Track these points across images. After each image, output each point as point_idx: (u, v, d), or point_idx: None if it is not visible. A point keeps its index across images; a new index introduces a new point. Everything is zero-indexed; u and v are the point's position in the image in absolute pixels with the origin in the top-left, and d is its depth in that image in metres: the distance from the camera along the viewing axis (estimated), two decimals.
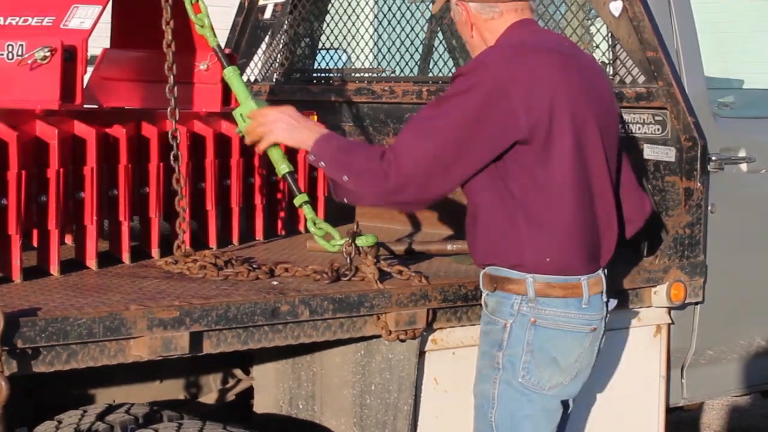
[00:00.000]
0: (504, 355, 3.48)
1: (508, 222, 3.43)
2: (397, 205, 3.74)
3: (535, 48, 3.46)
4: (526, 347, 3.45)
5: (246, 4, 6.15)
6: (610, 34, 4.68)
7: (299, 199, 4.04)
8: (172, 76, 4.16)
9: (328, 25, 6.00)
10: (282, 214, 4.90)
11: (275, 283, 3.84)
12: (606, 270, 3.60)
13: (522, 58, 3.41)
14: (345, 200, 3.56)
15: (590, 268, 3.49)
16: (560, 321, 3.45)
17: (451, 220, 5.01)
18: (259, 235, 4.78)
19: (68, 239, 4.43)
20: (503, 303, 3.49)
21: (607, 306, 3.57)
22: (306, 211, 4.03)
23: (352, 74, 5.78)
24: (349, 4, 5.82)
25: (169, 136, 4.18)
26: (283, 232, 4.90)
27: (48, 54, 3.84)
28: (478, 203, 3.50)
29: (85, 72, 4.00)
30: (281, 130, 3.68)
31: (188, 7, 4.03)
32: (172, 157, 4.18)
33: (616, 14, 4.55)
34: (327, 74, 5.89)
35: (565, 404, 3.60)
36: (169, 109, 4.17)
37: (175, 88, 4.16)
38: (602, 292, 3.53)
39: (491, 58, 3.43)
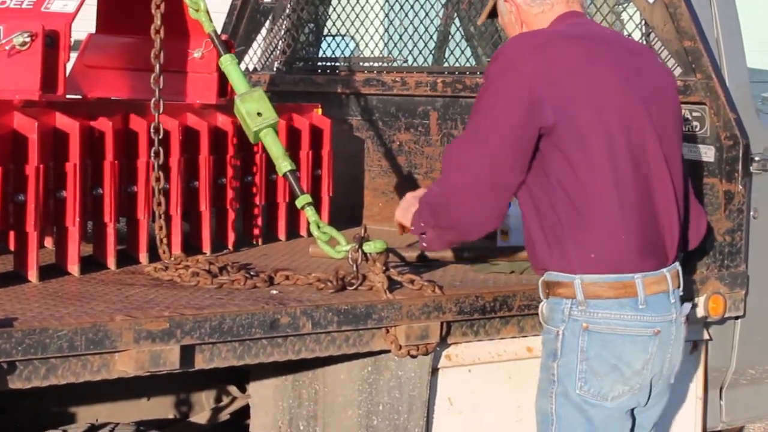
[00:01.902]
0: (558, 366, 3.49)
1: (554, 220, 3.45)
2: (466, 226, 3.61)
3: (561, 37, 3.49)
4: (580, 355, 3.44)
5: None
6: (643, 22, 4.67)
7: (301, 200, 4.03)
8: (158, 65, 4.15)
9: (334, 9, 5.98)
10: (283, 216, 4.89)
11: (275, 292, 3.83)
12: (677, 267, 3.56)
13: (542, 47, 3.44)
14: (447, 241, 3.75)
15: (646, 265, 3.46)
16: (615, 324, 3.43)
17: None
18: (258, 239, 4.78)
19: (48, 242, 4.43)
20: (555, 309, 3.50)
21: (676, 308, 3.53)
22: (309, 213, 4.02)
23: (360, 63, 5.77)
24: None
25: (151, 130, 4.17)
26: (284, 236, 4.90)
27: (28, 39, 3.84)
28: (523, 204, 3.55)
29: (68, 59, 4.00)
30: (399, 210, 3.84)
31: None
32: (152, 154, 4.18)
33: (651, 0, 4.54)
34: (333, 63, 5.88)
35: (633, 416, 3.58)
36: (152, 101, 4.17)
37: (161, 78, 4.16)
38: (669, 292, 3.50)
39: (511, 47, 3.49)
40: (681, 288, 3.58)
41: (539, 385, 3.58)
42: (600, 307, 3.43)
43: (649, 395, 3.55)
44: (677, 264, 3.57)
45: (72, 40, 4.01)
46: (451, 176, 3.51)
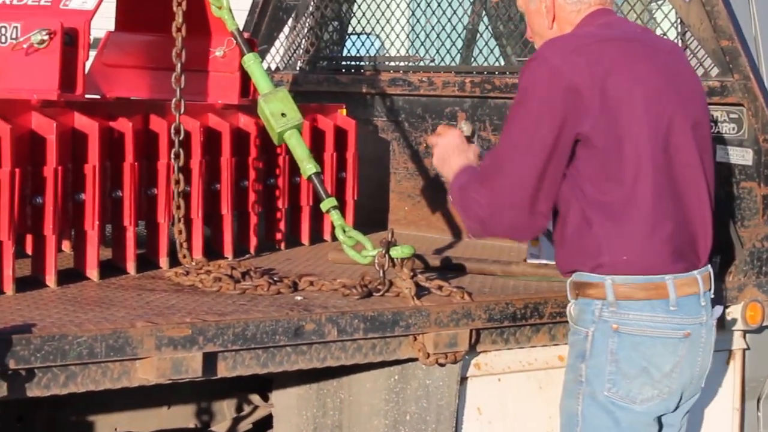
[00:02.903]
0: (587, 367, 3.51)
1: (584, 221, 3.48)
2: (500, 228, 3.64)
3: (602, 38, 3.51)
4: (609, 357, 3.47)
5: None
6: (679, 20, 4.65)
7: (326, 204, 4.03)
8: (179, 64, 4.16)
9: (358, 6, 5.99)
10: (306, 219, 4.89)
11: (299, 298, 3.83)
12: (709, 270, 3.58)
13: (584, 48, 3.46)
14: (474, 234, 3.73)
15: (678, 267, 3.49)
16: (646, 326, 3.46)
17: None
18: (281, 243, 4.78)
19: (66, 246, 4.44)
20: (585, 310, 3.53)
21: (707, 310, 3.54)
22: (334, 217, 4.02)
23: (386, 63, 5.77)
24: None
25: (172, 131, 4.19)
26: (307, 241, 4.90)
27: (46, 37, 3.85)
28: (556, 206, 3.57)
29: (87, 58, 4.01)
30: (435, 159, 3.86)
31: None
32: (173, 155, 4.19)
33: None
34: (357, 62, 5.88)
35: (661, 422, 3.59)
36: (173, 101, 4.18)
37: (182, 78, 4.17)
38: (700, 295, 3.53)
39: (551, 51, 3.49)
40: (712, 291, 3.59)
41: (565, 386, 3.61)
42: (631, 308, 3.46)
43: (679, 400, 3.56)
44: (709, 266, 3.60)
45: (91, 38, 4.02)
46: (489, 184, 3.51)
